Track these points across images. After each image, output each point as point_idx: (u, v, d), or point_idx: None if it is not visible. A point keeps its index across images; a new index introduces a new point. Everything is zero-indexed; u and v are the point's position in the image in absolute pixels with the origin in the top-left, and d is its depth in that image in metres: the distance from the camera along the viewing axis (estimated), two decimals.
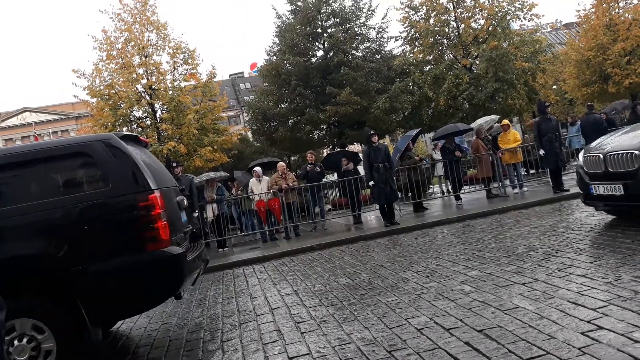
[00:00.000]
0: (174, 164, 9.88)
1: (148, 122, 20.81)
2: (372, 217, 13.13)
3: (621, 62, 23.46)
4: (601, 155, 6.17)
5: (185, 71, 20.77)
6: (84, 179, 4.54)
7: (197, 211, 9.88)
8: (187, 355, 4.36)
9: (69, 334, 4.05)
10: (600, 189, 6.19)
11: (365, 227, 11.52)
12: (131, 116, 20.71)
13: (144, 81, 20.17)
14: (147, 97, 20.29)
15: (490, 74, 21.54)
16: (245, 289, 6.93)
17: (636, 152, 5.67)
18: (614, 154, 5.98)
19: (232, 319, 5.35)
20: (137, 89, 20.15)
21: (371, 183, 10.72)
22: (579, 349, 3.02)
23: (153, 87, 20.08)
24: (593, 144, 6.90)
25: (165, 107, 20.40)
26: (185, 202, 5.45)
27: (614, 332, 3.18)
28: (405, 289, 5.24)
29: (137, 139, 5.25)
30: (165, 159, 17.83)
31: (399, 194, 12.55)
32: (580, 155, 6.98)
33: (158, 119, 20.60)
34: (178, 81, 20.64)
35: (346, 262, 7.59)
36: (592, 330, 3.26)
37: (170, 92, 20.10)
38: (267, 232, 11.84)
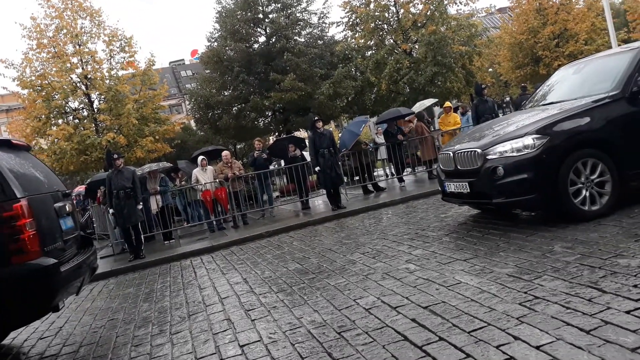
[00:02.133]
0: (115, 156, 9.55)
1: (85, 113, 20.06)
2: (319, 202, 13.23)
3: (550, 44, 24.56)
4: (451, 153, 6.19)
5: (122, 59, 20.09)
6: None
7: (140, 204, 9.63)
8: (135, 350, 4.29)
9: None
10: (452, 186, 6.21)
11: (313, 212, 11.60)
12: (66, 107, 19.88)
13: (79, 70, 19.38)
14: (83, 87, 19.51)
15: (429, 58, 21.99)
16: (194, 280, 6.86)
17: (479, 150, 5.70)
18: (461, 152, 6.00)
19: (180, 311, 5.29)
20: (71, 79, 19.34)
21: (317, 168, 10.79)
22: (517, 318, 3.19)
23: (89, 76, 19.32)
24: (451, 142, 6.99)
25: (102, 97, 19.70)
26: (69, 208, 5.16)
27: (547, 300, 3.37)
28: (353, 270, 5.35)
29: (10, 143, 5.00)
30: (104, 151, 17.24)
31: (345, 178, 12.70)
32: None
33: (95, 110, 19.87)
34: (115, 70, 19.95)
35: (295, 247, 7.64)
36: (529, 301, 3.44)
37: (108, 81, 19.41)
38: (215, 222, 11.71)
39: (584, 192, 5.27)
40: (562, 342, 2.76)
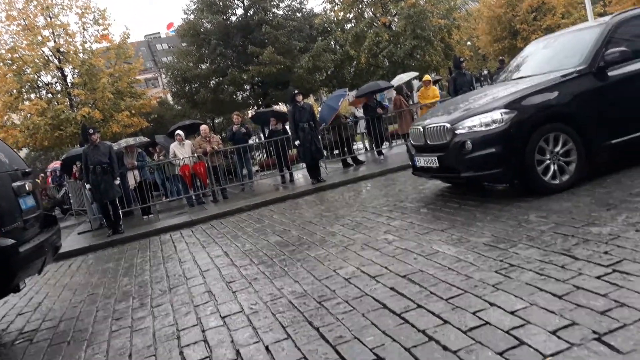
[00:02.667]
0: (91, 131, 9.37)
1: (58, 88, 19.59)
2: (299, 176, 13.24)
3: (528, 18, 24.62)
4: (421, 128, 6.20)
5: (96, 32, 19.60)
6: None
7: (118, 179, 9.51)
8: (116, 324, 4.29)
9: None
10: (421, 161, 6.24)
11: (293, 186, 11.62)
12: (39, 82, 19.37)
13: (51, 44, 18.84)
14: (56, 60, 19.01)
15: (408, 32, 21.92)
16: (174, 254, 6.85)
17: (448, 125, 5.70)
18: (431, 127, 6.00)
19: (161, 284, 5.29)
20: (43, 52, 18.81)
21: (297, 142, 10.76)
22: (493, 285, 3.28)
23: (61, 50, 18.81)
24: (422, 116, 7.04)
25: (76, 71, 19.23)
26: (29, 186, 5.02)
27: (522, 268, 3.46)
28: (333, 242, 5.40)
29: None
30: (79, 126, 16.93)
31: (325, 152, 12.70)
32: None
33: (69, 84, 19.40)
34: (89, 43, 19.48)
35: (275, 220, 7.66)
36: (504, 269, 3.53)
37: (81, 55, 18.93)
38: (194, 197, 11.65)
39: (550, 165, 5.31)
40: (535, 307, 2.84)
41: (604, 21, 6.04)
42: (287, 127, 13.23)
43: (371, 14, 24.24)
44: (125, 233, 9.30)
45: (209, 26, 22.43)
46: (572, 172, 5.35)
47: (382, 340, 2.84)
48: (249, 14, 22.59)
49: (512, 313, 2.83)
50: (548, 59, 6.41)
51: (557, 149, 5.32)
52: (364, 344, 2.84)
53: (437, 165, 5.89)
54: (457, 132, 5.56)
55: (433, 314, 3.05)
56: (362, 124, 15.46)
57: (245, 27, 22.13)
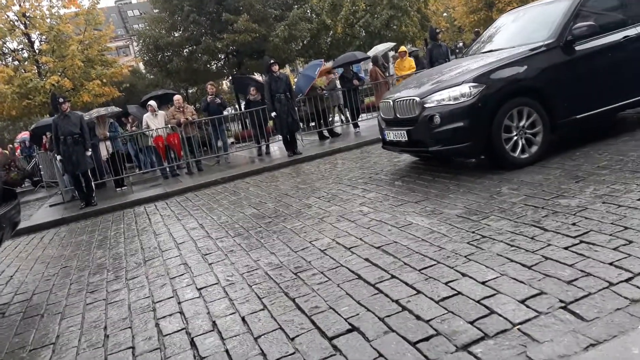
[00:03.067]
0: (60, 100, 9.09)
1: (25, 55, 18.92)
2: (275, 148, 13.17)
3: None
4: (391, 102, 6.15)
5: None
6: None
7: (89, 150, 9.32)
8: (90, 296, 4.27)
9: None
10: (391, 135, 6.21)
11: (269, 158, 11.57)
12: (4, 48, 18.66)
13: (16, 8, 18.09)
14: (22, 26, 18.31)
15: (385, 1, 21.71)
16: (148, 226, 6.80)
17: (417, 99, 5.65)
18: (400, 101, 5.96)
19: (136, 257, 5.26)
20: (8, 17, 18.05)
21: (273, 114, 10.66)
22: (465, 256, 3.35)
23: (27, 14, 18.08)
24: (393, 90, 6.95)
25: (43, 37, 18.56)
26: None
27: (493, 239, 3.55)
28: (309, 214, 5.43)
29: None
30: (49, 95, 16.42)
31: (301, 124, 12.63)
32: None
33: (37, 51, 18.75)
34: (56, 8, 18.72)
35: (251, 193, 7.65)
36: (476, 240, 3.61)
37: (48, 20, 18.25)
38: (168, 169, 11.51)
39: (517, 140, 5.35)
40: (506, 277, 2.93)
41: None
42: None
43: None
44: (98, 205, 9.17)
45: None
46: (538, 146, 5.41)
47: (356, 310, 2.90)
48: None
49: (483, 283, 2.90)
50: (518, 32, 6.41)
51: (522, 123, 5.35)
52: (339, 314, 2.90)
53: (406, 139, 5.89)
54: (426, 105, 5.55)
55: (406, 284, 3.11)
56: (338, 96, 15.36)
57: None
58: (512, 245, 3.36)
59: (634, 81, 5.79)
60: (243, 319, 3.13)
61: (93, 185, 9.66)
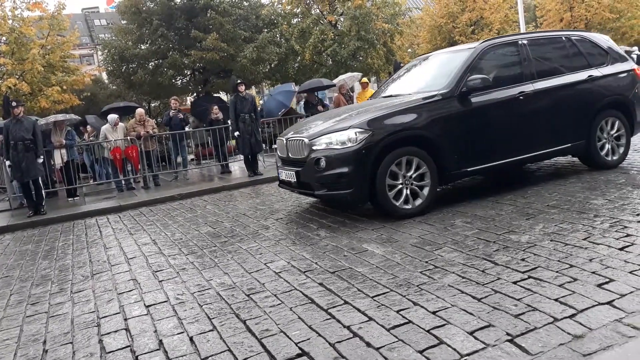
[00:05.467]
0: (13, 103, 8.78)
1: None
2: (235, 167, 13.08)
3: (467, 31, 25.63)
4: (284, 140, 5.99)
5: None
6: None
7: (41, 157, 9.00)
8: (31, 308, 4.08)
9: None
10: (284, 174, 6.01)
11: (229, 177, 11.47)
12: None
13: None
14: None
15: (353, 32, 22.18)
16: (99, 239, 6.59)
17: (306, 140, 5.49)
18: (292, 140, 5.80)
19: (83, 269, 5.08)
20: None
21: (236, 133, 10.62)
22: (417, 286, 3.40)
23: None
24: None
25: (3, 38, 17.99)
26: None
27: (445, 270, 3.61)
28: (266, 235, 5.39)
29: None
30: (2, 97, 15.86)
31: (263, 145, 12.62)
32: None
33: None
34: (20, 10, 18.23)
35: (208, 211, 7.55)
36: (429, 270, 3.67)
37: (10, 21, 17.72)
38: (123, 182, 11.23)
39: (403, 190, 5.22)
40: (456, 308, 2.98)
41: (473, 46, 5.99)
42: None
43: (318, 11, 24.31)
44: (47, 214, 8.84)
45: (151, 5, 21.64)
46: (425, 196, 5.29)
47: (307, 335, 2.88)
48: None
49: (433, 313, 2.94)
50: (419, 79, 6.39)
51: (409, 173, 5.23)
52: (290, 338, 2.87)
53: (295, 180, 5.69)
54: (314, 147, 5.39)
55: (359, 310, 3.12)
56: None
57: (189, 10, 21.51)
58: (463, 277, 3.43)
59: (530, 136, 5.79)
60: (191, 339, 3.05)
61: (44, 193, 9.31)
